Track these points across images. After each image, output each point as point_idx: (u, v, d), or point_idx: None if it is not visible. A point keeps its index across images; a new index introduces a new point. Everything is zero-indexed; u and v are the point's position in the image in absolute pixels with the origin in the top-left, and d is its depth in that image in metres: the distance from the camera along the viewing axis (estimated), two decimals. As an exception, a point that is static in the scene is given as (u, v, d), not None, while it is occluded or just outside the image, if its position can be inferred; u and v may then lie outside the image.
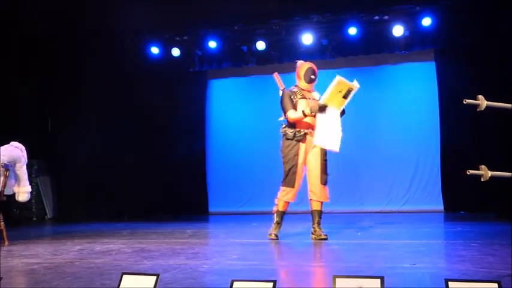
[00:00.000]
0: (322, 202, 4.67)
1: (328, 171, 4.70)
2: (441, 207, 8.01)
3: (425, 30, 7.85)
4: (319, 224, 4.67)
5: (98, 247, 4.43)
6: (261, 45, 8.49)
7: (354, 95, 4.41)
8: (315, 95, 4.77)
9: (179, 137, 9.12)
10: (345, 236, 5.06)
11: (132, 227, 6.71)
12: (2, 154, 4.80)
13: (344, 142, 4.38)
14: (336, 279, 1.98)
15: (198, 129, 9.32)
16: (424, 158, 8.30)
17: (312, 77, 4.75)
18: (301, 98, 4.68)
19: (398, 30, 7.86)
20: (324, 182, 4.62)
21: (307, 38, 8.21)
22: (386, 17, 7.95)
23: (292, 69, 9.08)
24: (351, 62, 8.46)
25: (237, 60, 8.91)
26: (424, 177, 8.29)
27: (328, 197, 4.67)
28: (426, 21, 7.73)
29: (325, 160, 4.65)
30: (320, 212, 4.69)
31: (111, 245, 4.54)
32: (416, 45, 8.09)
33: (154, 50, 8.89)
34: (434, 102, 8.21)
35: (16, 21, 7.84)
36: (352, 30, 7.98)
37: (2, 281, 2.15)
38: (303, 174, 4.68)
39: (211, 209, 9.21)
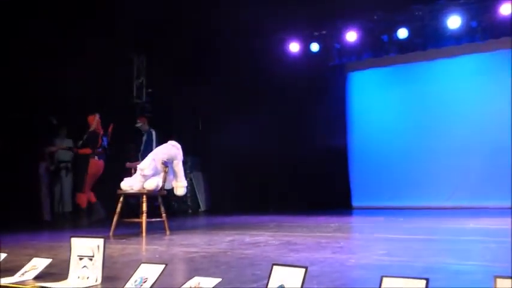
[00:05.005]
0: None
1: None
2: None
3: None
4: None
5: (247, 238, 4.65)
6: (402, 33, 8.15)
7: None
8: None
9: (321, 132, 9.17)
10: (500, 233, 4.63)
11: (277, 220, 6.91)
12: (161, 152, 5.31)
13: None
14: (497, 279, 1.83)
15: (339, 122, 9.29)
16: None
17: None
18: None
19: None
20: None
21: (454, 21, 7.68)
22: (548, -10, 7.11)
23: (437, 56, 8.57)
24: (505, 44, 7.71)
25: (377, 51, 8.69)
26: None
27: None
28: None
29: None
30: None
31: (259, 237, 4.73)
32: None
33: (294, 47, 9.04)
34: None
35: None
36: (506, 9, 7.26)
37: (166, 267, 2.39)
38: None
39: (354, 203, 9.12)
